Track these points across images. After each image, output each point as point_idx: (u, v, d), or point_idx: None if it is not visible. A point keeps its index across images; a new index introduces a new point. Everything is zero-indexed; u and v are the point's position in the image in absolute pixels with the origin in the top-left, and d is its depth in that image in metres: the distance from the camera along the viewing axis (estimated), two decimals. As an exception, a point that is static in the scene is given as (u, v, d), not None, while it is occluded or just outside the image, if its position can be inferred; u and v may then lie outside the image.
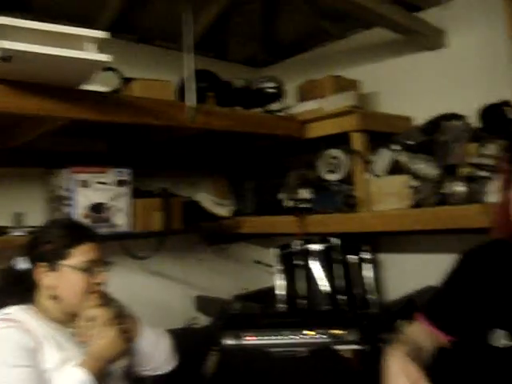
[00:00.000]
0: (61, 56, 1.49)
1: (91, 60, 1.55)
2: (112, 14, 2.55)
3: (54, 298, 1.52)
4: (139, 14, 2.69)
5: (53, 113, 1.74)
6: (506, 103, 2.17)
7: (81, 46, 1.55)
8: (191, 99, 2.06)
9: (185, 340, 2.40)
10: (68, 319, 1.53)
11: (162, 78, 2.26)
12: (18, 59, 1.48)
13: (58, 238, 1.54)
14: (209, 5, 2.79)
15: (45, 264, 1.51)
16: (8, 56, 1.45)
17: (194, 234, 2.69)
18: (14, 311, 1.49)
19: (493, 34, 2.33)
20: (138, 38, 2.86)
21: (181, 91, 2.28)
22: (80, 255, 1.52)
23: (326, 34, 3.04)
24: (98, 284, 1.53)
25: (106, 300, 1.58)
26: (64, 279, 1.51)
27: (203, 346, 2.16)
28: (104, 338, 1.44)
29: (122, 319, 1.53)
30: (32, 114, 1.71)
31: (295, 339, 1.99)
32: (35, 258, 1.53)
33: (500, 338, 1.17)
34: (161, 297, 2.68)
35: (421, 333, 1.45)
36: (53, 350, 1.42)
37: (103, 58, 1.56)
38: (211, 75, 2.39)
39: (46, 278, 1.51)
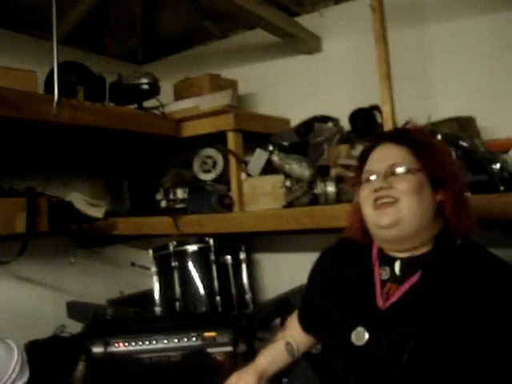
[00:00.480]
0: None
1: None
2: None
3: None
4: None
5: None
6: (375, 107, 2.26)
7: None
8: (56, 92, 1.93)
9: (51, 350, 2.28)
10: None
11: (30, 69, 2.10)
12: None
13: None
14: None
15: None
16: None
17: (64, 236, 2.53)
18: None
19: (363, 41, 2.42)
20: (5, 24, 2.65)
21: (49, 84, 2.13)
22: None
23: (208, 33, 3.01)
24: None
25: None
26: None
27: (71, 356, 2.04)
28: None
29: None
30: None
31: (167, 344, 1.93)
32: None
33: (360, 336, 1.19)
34: (27, 304, 2.51)
35: (298, 332, 1.48)
36: None
37: None
38: (82, 67, 2.26)
39: None
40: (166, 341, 1.94)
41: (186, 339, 1.94)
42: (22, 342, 1.84)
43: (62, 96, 1.96)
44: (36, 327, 2.36)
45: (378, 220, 1.18)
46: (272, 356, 1.44)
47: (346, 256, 1.37)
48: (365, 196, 1.22)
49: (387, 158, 1.21)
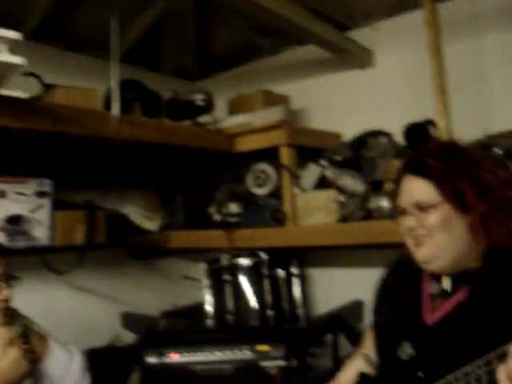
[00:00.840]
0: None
1: (4, 62, 1.47)
2: (39, 18, 2.46)
3: None
4: (67, 22, 2.61)
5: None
6: (429, 122, 2.23)
7: (-5, 47, 1.48)
8: (116, 109, 2.00)
9: (107, 359, 2.33)
10: None
11: (89, 87, 2.19)
12: None
13: None
14: (140, 14, 2.75)
15: None
16: None
17: (119, 248, 2.61)
18: None
19: (417, 55, 2.41)
20: (66, 45, 2.77)
21: (107, 101, 2.21)
22: None
23: (259, 49, 3.05)
24: (2, 301, 1.43)
25: (11, 317, 1.49)
26: None
27: (126, 365, 2.08)
28: (5, 359, 1.34)
29: (27, 338, 1.43)
30: None
31: (221, 356, 1.95)
32: None
33: (405, 350, 1.19)
34: (84, 313, 2.58)
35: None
36: None
37: (17, 60, 1.48)
38: (139, 85, 2.34)
39: None
40: (219, 353, 1.96)
41: (239, 352, 1.96)
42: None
43: (121, 113, 2.03)
44: (91, 336, 2.42)
45: (415, 255, 1.18)
46: (352, 372, 1.43)
47: (400, 271, 1.36)
48: (402, 229, 1.22)
49: (411, 192, 1.19)
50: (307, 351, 2.19)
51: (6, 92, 1.77)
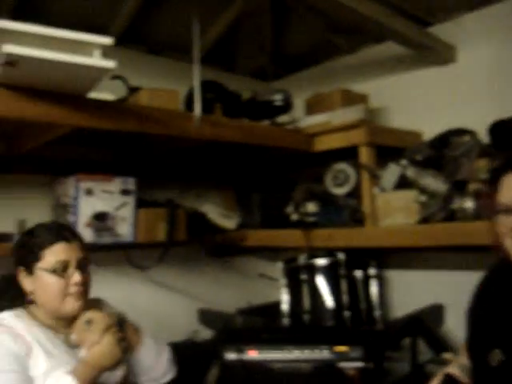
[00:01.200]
0: (66, 62, 1.48)
1: (96, 66, 1.54)
2: (122, 24, 2.56)
3: (34, 302, 1.51)
4: (149, 26, 2.69)
5: (58, 120, 1.73)
6: (517, 119, 2.14)
7: (86, 52, 1.54)
8: (198, 109, 2.04)
9: (186, 353, 2.39)
10: (57, 324, 1.51)
11: (171, 89, 2.25)
12: (23, 64, 1.47)
13: (31, 240, 1.52)
14: (218, 17, 2.80)
15: (23, 268, 1.51)
16: (12, 60, 1.44)
17: (197, 245, 2.66)
18: (7, 316, 1.47)
19: (502, 49, 2.32)
20: (148, 49, 2.86)
21: (188, 102, 2.27)
22: (51, 256, 1.47)
23: (336, 48, 3.03)
24: (76, 285, 1.48)
25: (96, 304, 1.58)
26: (39, 282, 1.49)
27: (204, 360, 2.12)
28: (101, 345, 1.41)
29: (122, 327, 1.50)
30: (36, 120, 1.70)
31: (298, 355, 1.95)
32: (16, 263, 1.53)
33: (496, 356, 1.15)
34: (163, 308, 2.66)
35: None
36: (42, 357, 1.39)
37: (108, 64, 1.55)
38: (219, 86, 2.39)
39: (25, 283, 1.51)
40: (297, 352, 1.96)
41: (317, 352, 1.95)
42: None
43: (203, 113, 2.07)
44: (170, 330, 2.48)
45: None
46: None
47: (498, 276, 1.31)
48: (503, 230, 1.17)
49: None
50: (384, 354, 2.15)
51: (94, 94, 1.85)
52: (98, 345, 1.40)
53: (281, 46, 3.14)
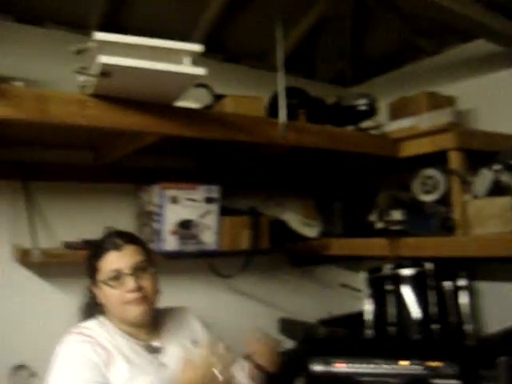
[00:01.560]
0: (159, 70, 1.50)
1: (188, 74, 1.55)
2: (203, 33, 2.57)
3: (105, 311, 1.55)
4: (226, 35, 2.70)
5: (148, 129, 1.75)
6: None
7: (176, 60, 1.55)
8: (283, 116, 2.02)
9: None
10: (138, 331, 1.54)
11: (256, 96, 2.23)
12: (117, 75, 1.50)
13: (90, 253, 1.59)
14: (297, 23, 2.77)
15: (91, 280, 1.57)
16: (107, 71, 1.47)
17: (279, 254, 2.63)
18: (90, 325, 1.52)
19: None
20: (226, 58, 2.87)
21: (271, 108, 2.25)
22: (104, 267, 1.52)
23: (419, 50, 2.93)
24: (132, 291, 1.49)
25: (182, 313, 1.65)
26: (102, 294, 1.54)
27: (289, 371, 2.08)
28: (195, 374, 1.37)
29: (223, 355, 1.45)
30: (127, 129, 1.72)
31: (389, 369, 1.88)
32: (87, 276, 1.59)
33: None
34: (244, 316, 2.63)
35: None
36: (122, 365, 1.41)
37: (199, 71, 1.55)
38: (301, 92, 2.35)
39: (97, 294, 1.56)
40: (386, 365, 1.88)
41: (408, 366, 1.87)
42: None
43: (287, 119, 2.05)
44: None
45: None
46: None
47: None
48: None
49: None
50: (479, 373, 2.03)
51: (180, 103, 1.86)
52: (193, 373, 1.38)
53: (360, 51, 3.07)
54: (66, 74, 1.62)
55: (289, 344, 2.54)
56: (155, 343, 1.56)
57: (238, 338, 1.72)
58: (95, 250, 1.58)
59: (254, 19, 2.60)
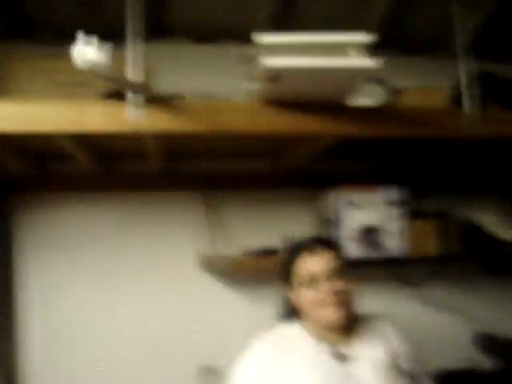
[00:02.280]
0: (328, 67, 1.40)
1: (359, 68, 1.41)
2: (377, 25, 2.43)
3: (300, 314, 1.57)
4: (396, 26, 2.52)
5: (321, 131, 1.66)
6: None
7: (344, 54, 1.43)
8: (470, 105, 1.80)
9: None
10: (328, 336, 1.52)
11: (437, 87, 2.06)
12: (286, 77, 1.43)
13: (286, 257, 1.62)
14: (477, 6, 2.49)
15: (286, 283, 1.60)
16: (275, 75, 1.41)
17: (473, 260, 2.36)
18: (281, 327, 1.60)
19: None
20: (401, 51, 2.68)
21: (456, 99, 2.02)
22: (299, 269, 1.54)
23: None
24: (327, 293, 1.48)
25: (380, 321, 1.61)
26: (298, 296, 1.55)
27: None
28: None
29: None
30: (299, 134, 1.66)
31: None
32: (282, 279, 1.62)
33: None
34: (434, 329, 2.42)
35: None
36: (303, 371, 1.42)
37: (372, 64, 1.40)
38: (493, 77, 2.07)
39: (292, 297, 1.59)
40: None
41: None
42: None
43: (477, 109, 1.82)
44: (439, 354, 2.28)
45: None
46: None
47: None
48: None
49: None
50: None
51: (352, 101, 1.73)
52: None
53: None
54: (237, 85, 1.65)
55: (486, 362, 2.28)
56: (345, 350, 1.50)
57: (430, 352, 1.63)
58: (292, 253, 1.60)
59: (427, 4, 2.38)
